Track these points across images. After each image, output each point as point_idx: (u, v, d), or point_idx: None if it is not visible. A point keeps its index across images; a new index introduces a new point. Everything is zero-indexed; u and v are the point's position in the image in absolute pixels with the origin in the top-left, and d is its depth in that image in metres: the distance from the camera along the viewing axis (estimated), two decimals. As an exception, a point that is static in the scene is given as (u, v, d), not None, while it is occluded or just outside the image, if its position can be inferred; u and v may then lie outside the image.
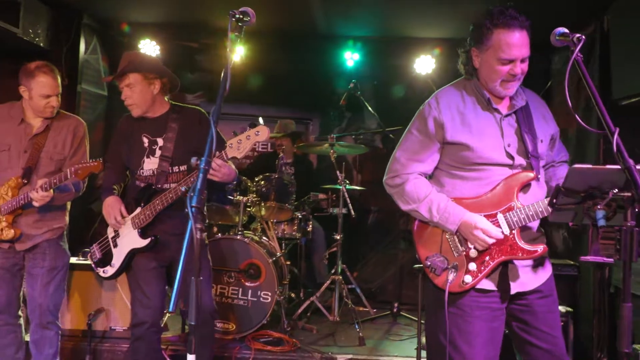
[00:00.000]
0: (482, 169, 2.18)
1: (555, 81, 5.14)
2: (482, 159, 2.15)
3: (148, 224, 2.92)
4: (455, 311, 2.17)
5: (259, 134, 2.60)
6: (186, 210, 1.70)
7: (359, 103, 5.20)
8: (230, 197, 4.18)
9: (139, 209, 2.93)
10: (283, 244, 4.59)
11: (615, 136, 1.50)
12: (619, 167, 1.46)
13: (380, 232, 5.87)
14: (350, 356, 3.65)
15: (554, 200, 1.64)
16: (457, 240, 2.18)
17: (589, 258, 1.58)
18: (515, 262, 2.17)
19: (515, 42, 2.05)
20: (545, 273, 2.28)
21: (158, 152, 2.98)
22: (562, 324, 3.81)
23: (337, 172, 4.38)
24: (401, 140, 2.32)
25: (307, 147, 4.91)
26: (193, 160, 1.79)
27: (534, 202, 2.10)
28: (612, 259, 1.43)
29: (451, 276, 2.13)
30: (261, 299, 3.89)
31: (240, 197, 4.16)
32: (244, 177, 4.33)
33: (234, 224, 4.40)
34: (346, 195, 4.38)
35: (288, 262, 4.55)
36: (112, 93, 5.74)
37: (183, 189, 2.74)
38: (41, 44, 4.74)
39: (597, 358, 3.97)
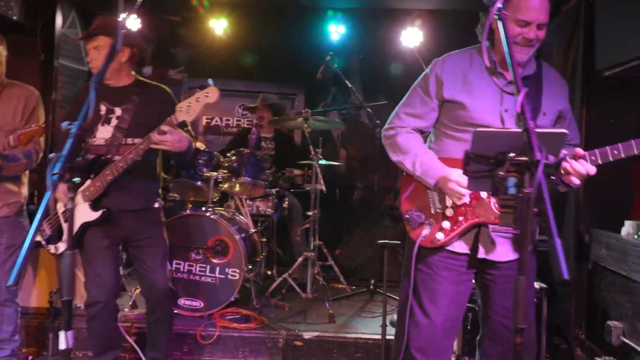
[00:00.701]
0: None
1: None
2: (473, 119, 2.14)
3: (100, 197, 2.87)
4: (424, 269, 2.23)
5: (209, 96, 2.57)
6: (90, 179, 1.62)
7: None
8: (200, 173, 4.10)
9: (89, 181, 2.85)
10: (259, 221, 4.52)
11: (520, 96, 1.39)
12: (520, 130, 1.35)
13: (364, 209, 5.77)
14: (317, 333, 3.60)
15: (466, 167, 1.55)
16: (436, 197, 2.20)
17: (497, 228, 1.48)
18: (492, 229, 2.14)
19: (535, 5, 2.03)
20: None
21: (114, 122, 2.91)
22: (536, 300, 3.75)
23: (311, 147, 4.27)
24: (405, 96, 2.36)
25: (280, 122, 4.80)
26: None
27: None
28: (515, 229, 1.33)
29: (425, 231, 2.17)
30: (229, 276, 3.83)
31: (211, 173, 4.08)
32: (215, 152, 4.24)
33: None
34: (318, 170, 4.27)
35: (264, 239, 4.48)
36: (93, 69, 5.68)
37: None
38: (14, 17, 4.65)
39: (575, 335, 3.88)
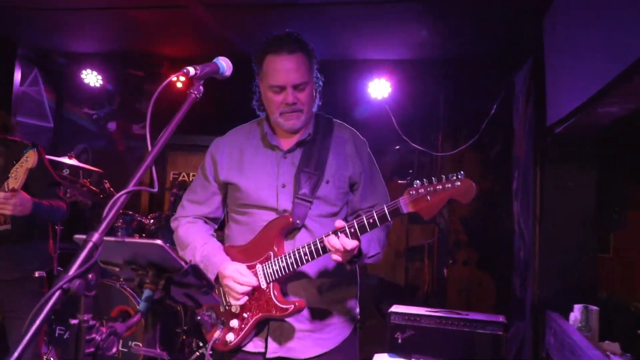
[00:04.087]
0: (249, 212, 1.94)
1: (514, 106, 4.53)
2: (249, 200, 1.94)
3: None
4: None
5: (28, 160, 2.50)
6: None
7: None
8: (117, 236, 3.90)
9: None
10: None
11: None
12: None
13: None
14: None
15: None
16: (222, 293, 1.91)
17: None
18: (289, 322, 1.88)
19: (282, 67, 1.84)
20: (329, 344, 1.92)
21: None
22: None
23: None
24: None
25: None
26: None
27: None
28: None
29: (217, 333, 1.89)
30: (132, 349, 3.56)
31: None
32: (137, 215, 4.04)
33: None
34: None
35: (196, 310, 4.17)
36: (60, 124, 5.71)
37: None
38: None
39: None
